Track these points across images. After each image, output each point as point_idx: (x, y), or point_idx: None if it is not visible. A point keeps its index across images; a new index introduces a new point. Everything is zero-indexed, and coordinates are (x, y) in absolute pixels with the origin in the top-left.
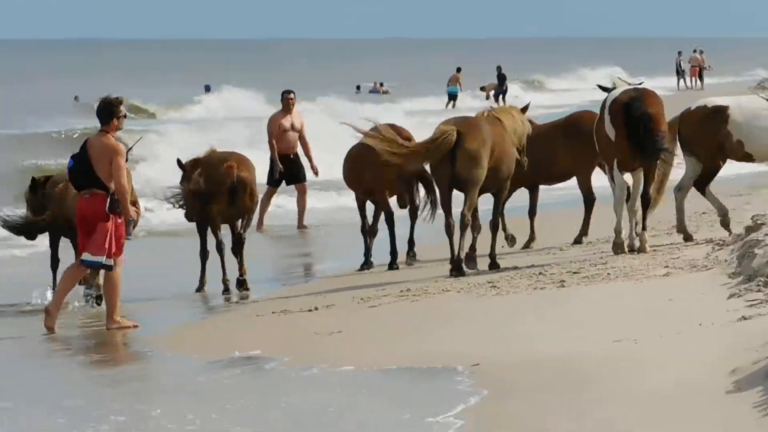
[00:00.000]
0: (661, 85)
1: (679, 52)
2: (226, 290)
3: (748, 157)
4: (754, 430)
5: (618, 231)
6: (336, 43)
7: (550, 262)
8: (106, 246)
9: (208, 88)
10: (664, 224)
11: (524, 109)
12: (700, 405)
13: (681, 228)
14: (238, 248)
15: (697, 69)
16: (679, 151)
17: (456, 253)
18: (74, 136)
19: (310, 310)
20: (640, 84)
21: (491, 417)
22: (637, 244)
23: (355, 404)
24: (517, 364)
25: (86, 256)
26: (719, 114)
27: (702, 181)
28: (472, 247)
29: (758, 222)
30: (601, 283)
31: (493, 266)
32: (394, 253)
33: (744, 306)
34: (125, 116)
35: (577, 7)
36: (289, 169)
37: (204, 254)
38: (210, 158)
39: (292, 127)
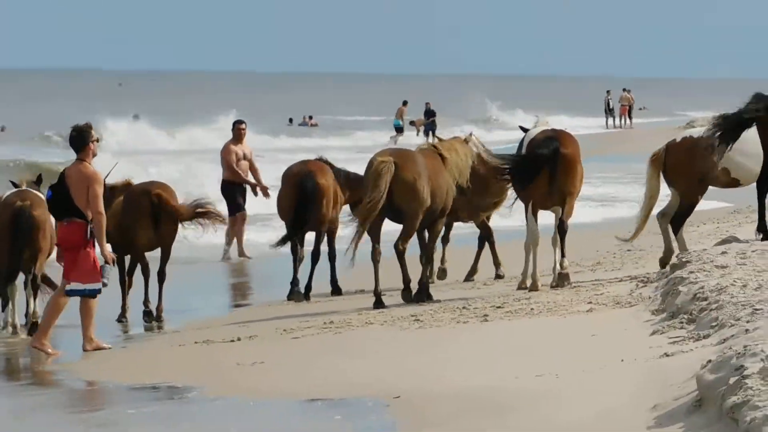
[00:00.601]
0: (588, 124)
1: (608, 91)
2: (147, 316)
3: (734, 183)
4: None
5: (527, 273)
6: (274, 76)
7: (474, 296)
8: (98, 271)
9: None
10: (588, 261)
11: (466, 140)
12: None
13: (667, 250)
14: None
15: (627, 107)
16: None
17: (378, 285)
18: None
19: (232, 341)
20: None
21: None
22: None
23: None
24: (438, 395)
25: (75, 285)
26: (705, 143)
27: (678, 217)
28: (420, 279)
29: (683, 260)
30: (525, 317)
31: (424, 297)
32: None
33: (667, 343)
34: (98, 140)
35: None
36: (240, 197)
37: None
38: (134, 188)
39: (244, 156)
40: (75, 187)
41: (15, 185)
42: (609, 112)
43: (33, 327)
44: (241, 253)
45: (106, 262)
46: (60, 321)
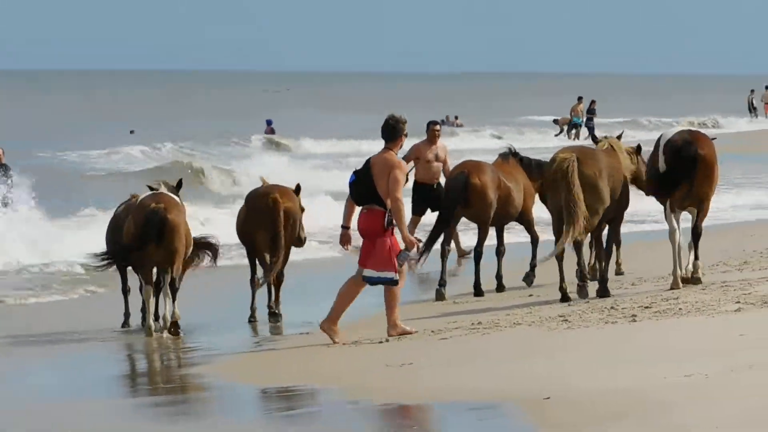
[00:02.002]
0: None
1: (752, 90)
2: (273, 317)
3: None
4: None
5: (674, 273)
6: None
7: (622, 296)
8: (393, 260)
9: (269, 123)
10: (735, 260)
11: (619, 137)
12: None
13: None
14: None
15: None
16: None
17: (563, 279)
18: None
19: (380, 342)
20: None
21: None
22: (691, 272)
23: None
24: (587, 398)
25: (369, 272)
26: None
27: None
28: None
29: None
30: (673, 317)
31: (604, 292)
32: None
33: None
34: (406, 135)
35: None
36: (432, 198)
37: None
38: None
39: (436, 158)
40: (378, 175)
41: (152, 189)
42: (753, 110)
43: (174, 326)
44: (461, 253)
45: (407, 248)
46: (194, 319)
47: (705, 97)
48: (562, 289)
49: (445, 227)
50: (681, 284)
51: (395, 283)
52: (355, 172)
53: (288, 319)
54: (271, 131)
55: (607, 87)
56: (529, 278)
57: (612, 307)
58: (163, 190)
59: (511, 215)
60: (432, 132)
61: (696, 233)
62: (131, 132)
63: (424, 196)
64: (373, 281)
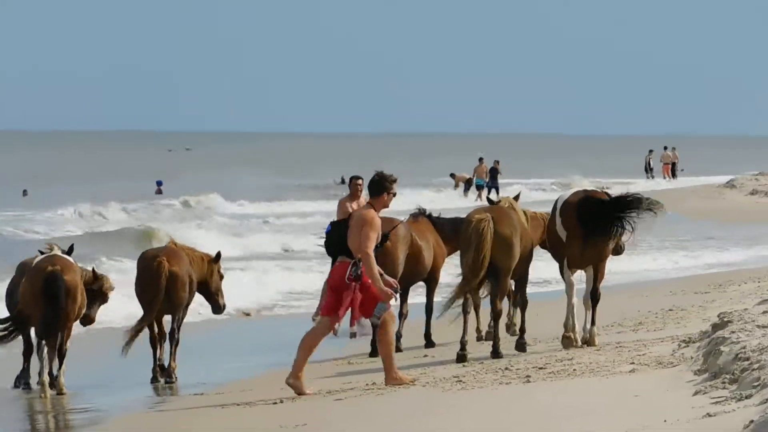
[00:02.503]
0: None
1: (650, 150)
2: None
3: None
4: None
5: (567, 326)
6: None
7: (516, 356)
8: (344, 310)
9: (159, 183)
10: (630, 320)
11: (516, 198)
12: None
13: None
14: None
15: (669, 166)
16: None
17: (464, 337)
18: None
19: (275, 403)
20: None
21: None
22: (587, 337)
23: None
24: None
25: (358, 329)
26: None
27: None
28: (521, 329)
29: (724, 320)
30: (567, 378)
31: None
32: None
33: (709, 403)
34: (395, 195)
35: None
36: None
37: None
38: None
39: None
40: (353, 229)
41: (42, 252)
42: (650, 171)
43: (58, 387)
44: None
45: (383, 300)
46: (88, 381)
47: (605, 158)
48: (462, 344)
49: None
50: (574, 340)
51: (386, 309)
52: (332, 223)
53: (183, 379)
54: (160, 192)
55: (509, 147)
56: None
57: (506, 368)
58: (57, 252)
59: (420, 274)
60: (354, 186)
61: (594, 297)
62: (24, 193)
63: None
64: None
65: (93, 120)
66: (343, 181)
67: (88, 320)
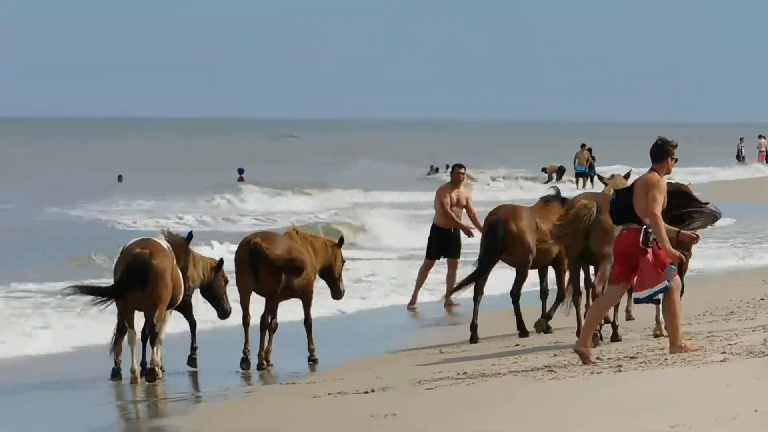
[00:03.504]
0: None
1: (741, 138)
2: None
3: None
4: None
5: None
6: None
7: (608, 346)
8: (659, 272)
9: (241, 171)
10: (721, 309)
11: (627, 176)
12: None
13: None
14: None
15: (765, 153)
16: None
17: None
18: None
19: (366, 392)
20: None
21: None
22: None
23: None
24: None
25: (641, 294)
26: None
27: None
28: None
29: None
30: (658, 368)
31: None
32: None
33: None
34: (676, 160)
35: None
36: (445, 243)
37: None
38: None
39: (457, 203)
40: (638, 195)
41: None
42: (742, 159)
43: (150, 373)
44: (447, 302)
45: (672, 263)
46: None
47: (696, 146)
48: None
49: (481, 275)
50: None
51: (668, 288)
52: (616, 192)
53: (277, 368)
54: (242, 179)
55: (599, 135)
56: (541, 325)
57: (598, 357)
58: (161, 238)
59: (544, 260)
60: (456, 175)
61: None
62: (119, 178)
63: (441, 240)
64: (651, 298)
65: (185, 108)
66: (434, 170)
67: (223, 312)
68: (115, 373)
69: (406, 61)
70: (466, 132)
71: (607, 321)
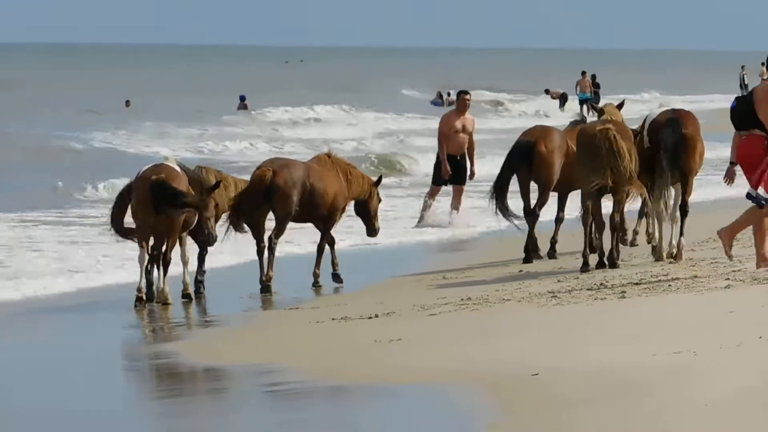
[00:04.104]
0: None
1: (743, 66)
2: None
3: None
4: None
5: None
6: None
7: (612, 272)
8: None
9: (243, 98)
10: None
11: (620, 106)
12: (760, 416)
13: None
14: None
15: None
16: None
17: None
18: None
19: (370, 318)
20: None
21: (552, 426)
22: (673, 252)
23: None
24: (576, 374)
25: (759, 192)
26: None
27: None
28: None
29: None
30: (662, 294)
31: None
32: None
33: None
34: None
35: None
36: (453, 170)
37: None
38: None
39: (463, 129)
40: (759, 101)
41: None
42: (744, 88)
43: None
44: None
45: None
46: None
47: (702, 73)
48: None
49: (498, 189)
50: (665, 257)
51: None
52: (737, 98)
53: (279, 295)
54: (245, 107)
55: (603, 62)
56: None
57: (602, 284)
58: (172, 163)
59: (574, 184)
60: (462, 101)
61: (684, 210)
62: (127, 103)
63: (440, 166)
64: (760, 200)
65: (188, 35)
66: (440, 96)
67: (372, 231)
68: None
69: None
70: (472, 60)
71: (593, 250)
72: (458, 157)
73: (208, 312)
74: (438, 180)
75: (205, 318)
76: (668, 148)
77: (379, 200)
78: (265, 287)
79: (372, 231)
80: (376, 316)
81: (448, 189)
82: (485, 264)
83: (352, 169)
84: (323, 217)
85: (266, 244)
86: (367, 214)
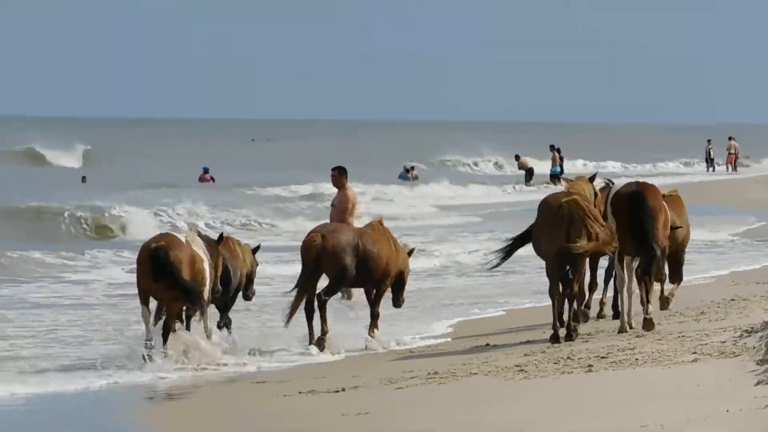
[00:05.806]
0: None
1: (709, 140)
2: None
3: None
4: None
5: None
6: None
7: (578, 345)
8: None
9: (206, 171)
10: (692, 310)
11: (592, 179)
12: None
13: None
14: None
15: (734, 156)
16: None
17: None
18: None
19: (337, 391)
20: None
21: None
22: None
23: None
24: None
25: None
26: None
27: None
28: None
29: None
30: (629, 368)
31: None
32: None
33: None
34: None
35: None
36: None
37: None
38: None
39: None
40: None
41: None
42: (710, 161)
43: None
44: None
45: None
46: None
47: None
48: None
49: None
50: (627, 329)
51: None
52: None
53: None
54: (210, 179)
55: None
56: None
57: (568, 357)
58: (193, 235)
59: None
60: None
61: (658, 277)
62: (83, 179)
63: None
64: None
65: (156, 108)
66: (406, 170)
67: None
68: None
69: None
70: (461, 130)
71: (587, 306)
72: None
73: (173, 384)
74: None
75: (169, 391)
76: (632, 220)
77: (409, 272)
78: (319, 341)
79: (398, 301)
80: (343, 389)
81: None
82: (453, 338)
83: (395, 241)
84: (377, 281)
85: (316, 301)
86: (401, 284)
